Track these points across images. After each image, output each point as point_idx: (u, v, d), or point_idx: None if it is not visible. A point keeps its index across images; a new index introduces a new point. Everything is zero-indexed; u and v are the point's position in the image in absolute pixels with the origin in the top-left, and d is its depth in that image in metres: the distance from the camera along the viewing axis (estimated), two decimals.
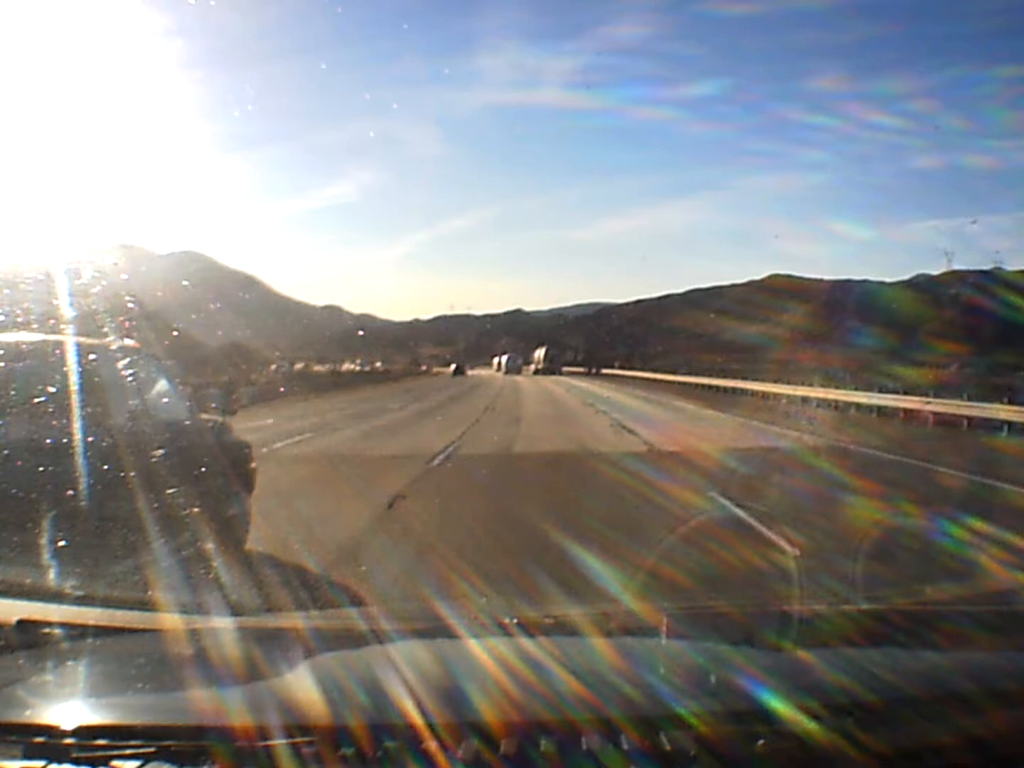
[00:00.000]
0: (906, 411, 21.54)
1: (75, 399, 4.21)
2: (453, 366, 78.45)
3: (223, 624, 1.93)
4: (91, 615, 1.86)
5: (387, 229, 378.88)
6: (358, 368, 59.01)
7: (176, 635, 1.76)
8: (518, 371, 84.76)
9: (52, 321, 5.41)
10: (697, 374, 45.93)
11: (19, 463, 3.85)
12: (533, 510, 7.58)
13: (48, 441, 4.00)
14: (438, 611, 2.63)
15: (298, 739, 1.07)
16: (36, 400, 4.10)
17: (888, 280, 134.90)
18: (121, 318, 5.86)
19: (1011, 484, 9.70)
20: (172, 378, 5.74)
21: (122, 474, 4.21)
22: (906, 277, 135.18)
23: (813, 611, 2.01)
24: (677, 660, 1.51)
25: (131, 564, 3.97)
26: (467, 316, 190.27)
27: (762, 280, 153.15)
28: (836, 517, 7.05)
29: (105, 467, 4.14)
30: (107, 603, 2.27)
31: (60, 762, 1.07)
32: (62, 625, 1.66)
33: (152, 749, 1.08)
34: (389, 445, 14.18)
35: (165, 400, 5.52)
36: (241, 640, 1.68)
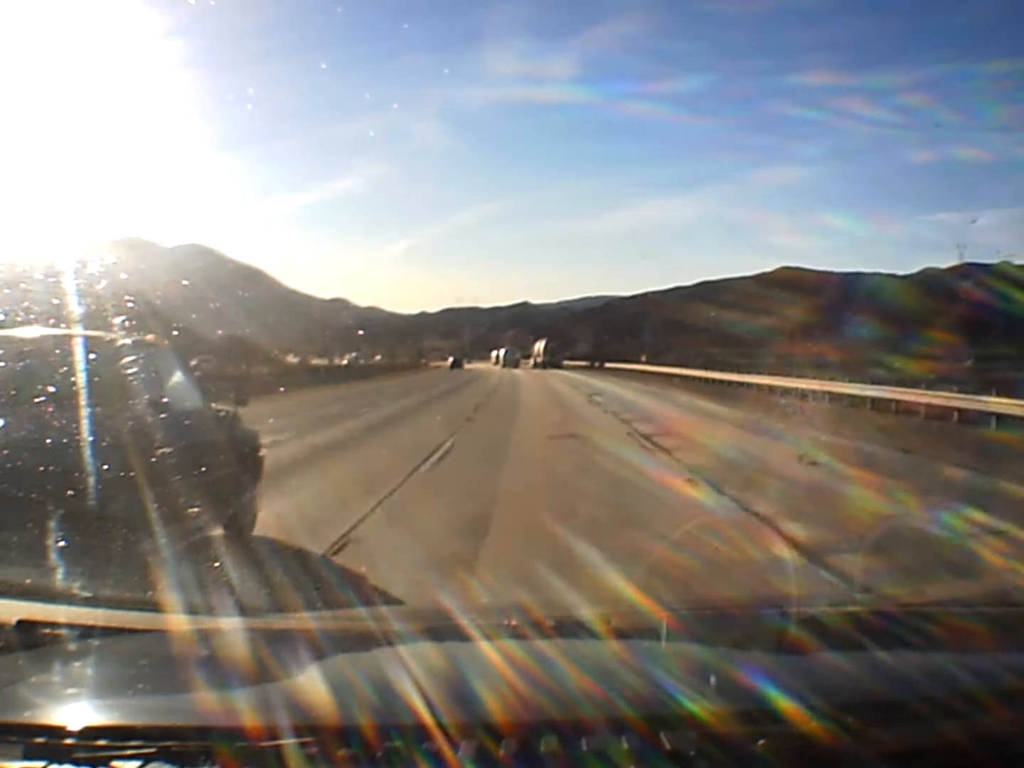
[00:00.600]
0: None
1: (98, 391, 4.42)
2: (451, 359, 79.37)
3: (225, 624, 1.90)
4: (92, 615, 1.82)
5: (394, 222, 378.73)
6: (348, 362, 57.60)
7: (177, 635, 1.76)
8: (516, 364, 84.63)
9: (52, 320, 5.56)
10: (708, 368, 45.14)
11: (51, 450, 4.04)
12: None
13: (71, 430, 4.19)
14: (441, 610, 2.66)
15: (299, 739, 1.06)
16: (63, 390, 4.30)
17: (899, 273, 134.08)
18: (121, 316, 5.85)
19: None
20: (187, 370, 6.03)
21: (142, 461, 4.35)
22: (915, 270, 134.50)
23: (813, 611, 2.01)
24: (677, 660, 1.50)
25: (150, 546, 4.12)
26: (474, 309, 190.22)
27: (772, 273, 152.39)
28: None
29: (125, 454, 4.32)
30: (108, 603, 2.24)
31: (60, 762, 1.07)
32: (62, 625, 1.64)
33: (153, 750, 1.07)
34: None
35: (180, 391, 5.72)
36: (243, 640, 1.68)
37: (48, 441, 4.10)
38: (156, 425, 4.89)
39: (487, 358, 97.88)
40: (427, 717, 1.10)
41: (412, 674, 1.27)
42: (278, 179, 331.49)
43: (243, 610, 2.55)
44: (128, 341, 5.48)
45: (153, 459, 4.50)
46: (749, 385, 33.01)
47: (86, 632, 1.62)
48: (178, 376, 5.80)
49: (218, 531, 5.52)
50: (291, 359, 46.44)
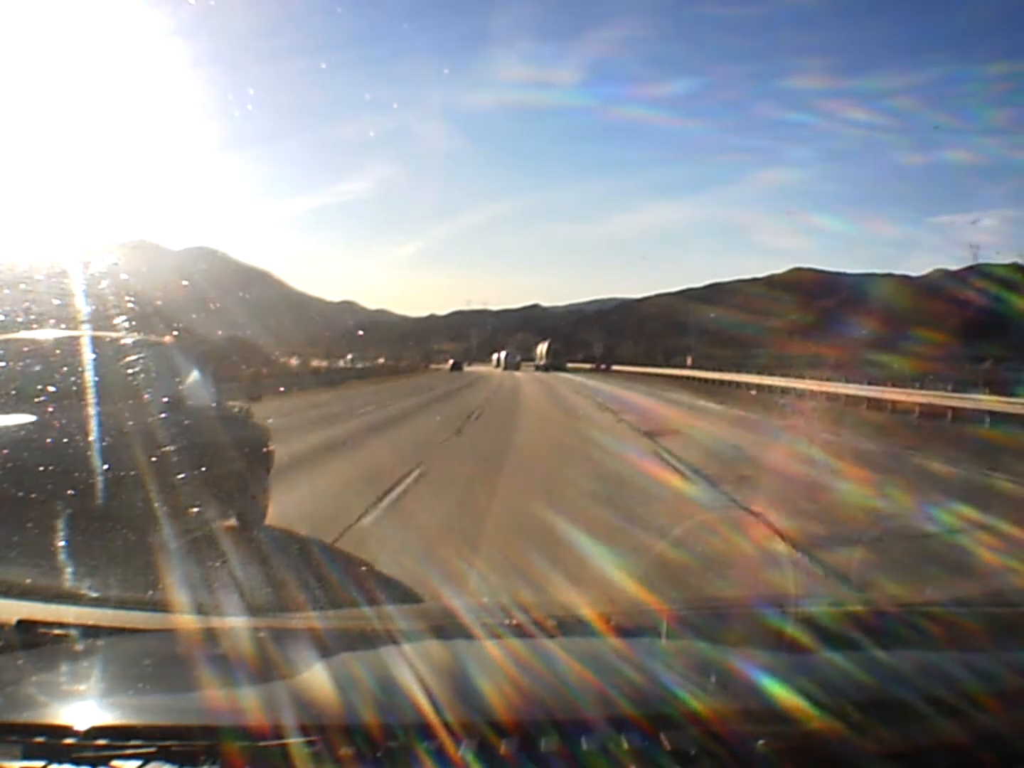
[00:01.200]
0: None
1: (120, 390, 4.73)
2: (451, 362, 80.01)
3: (226, 623, 1.89)
4: (92, 615, 1.80)
5: (402, 225, 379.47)
6: (344, 365, 56.52)
7: (178, 634, 1.76)
8: (517, 367, 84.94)
9: (52, 320, 5.66)
10: (724, 370, 44.58)
11: (79, 446, 4.19)
12: None
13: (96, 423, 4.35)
14: (442, 609, 2.65)
15: (300, 738, 1.06)
16: (89, 389, 4.48)
17: (912, 275, 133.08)
18: (123, 316, 5.97)
19: None
20: (202, 369, 6.30)
21: (163, 456, 4.58)
22: (926, 272, 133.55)
23: (813, 609, 2.01)
24: (678, 658, 1.49)
25: (168, 536, 4.35)
26: (483, 311, 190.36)
27: (783, 274, 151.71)
28: None
29: (147, 450, 4.50)
30: (109, 603, 2.22)
31: (60, 762, 1.06)
32: (62, 625, 1.63)
33: (153, 749, 1.07)
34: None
35: (196, 390, 6.02)
36: (243, 639, 1.67)
37: (76, 438, 4.26)
38: (174, 422, 5.13)
39: (486, 362, 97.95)
40: (428, 715, 1.10)
41: (413, 672, 1.27)
42: (286, 181, 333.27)
43: (244, 608, 2.51)
44: (147, 342, 5.80)
45: (172, 454, 4.70)
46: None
47: (86, 632, 1.61)
48: (194, 375, 6.08)
49: (231, 522, 5.87)
50: (292, 361, 45.97)
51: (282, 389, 24.16)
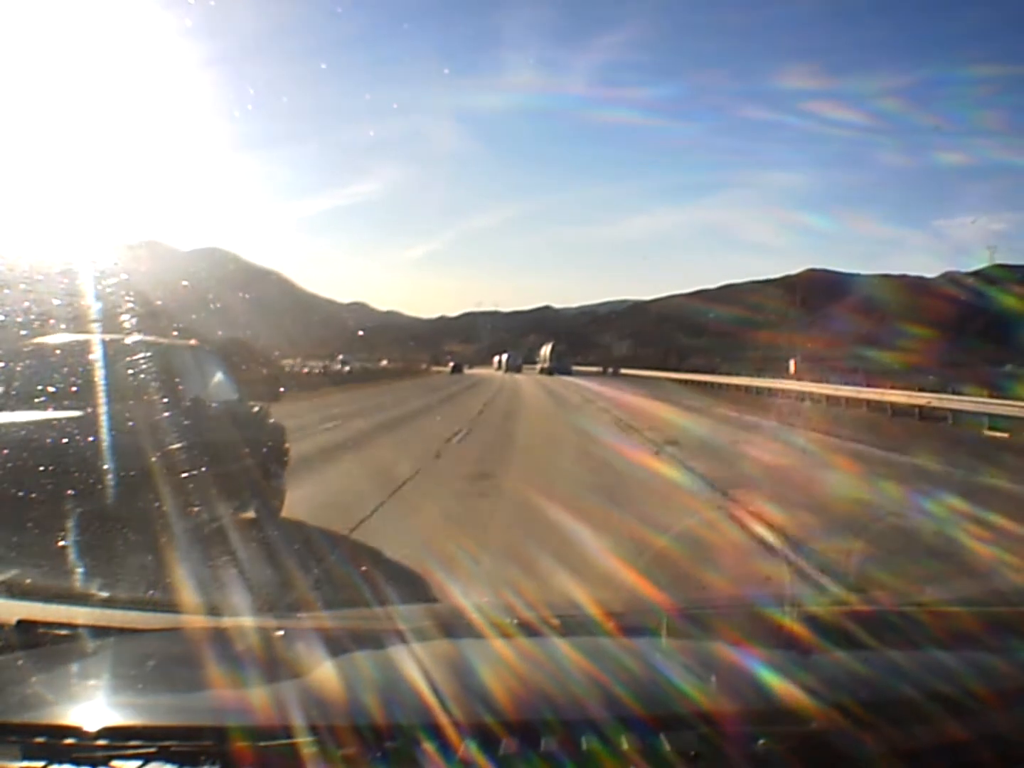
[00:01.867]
0: None
1: (150, 390, 5.07)
2: (451, 364, 79.43)
3: (226, 624, 1.85)
4: (92, 615, 1.78)
5: (413, 226, 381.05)
6: (339, 366, 53.77)
7: (178, 635, 1.75)
8: (518, 370, 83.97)
9: (52, 321, 5.76)
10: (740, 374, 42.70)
11: (119, 437, 4.49)
12: None
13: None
14: (443, 608, 2.64)
15: (300, 738, 1.05)
16: (122, 388, 4.88)
17: (927, 276, 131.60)
18: (126, 316, 6.07)
19: None
20: (227, 371, 6.80)
21: (189, 449, 4.87)
22: (940, 272, 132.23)
23: (814, 609, 2.02)
24: (678, 658, 1.48)
25: (195, 521, 4.85)
26: (494, 313, 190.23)
27: (798, 275, 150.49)
28: None
29: (176, 444, 4.83)
30: (109, 603, 2.18)
31: (60, 762, 1.06)
32: (62, 625, 1.62)
33: (153, 749, 1.07)
34: None
35: (221, 388, 6.53)
36: (243, 639, 1.66)
37: (115, 434, 4.52)
38: (201, 420, 5.61)
39: (494, 364, 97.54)
40: (429, 713, 1.10)
41: (413, 671, 1.26)
42: (297, 183, 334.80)
43: (245, 608, 2.45)
44: (176, 345, 6.30)
45: (199, 450, 5.05)
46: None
47: (87, 632, 1.60)
48: (219, 376, 6.55)
49: (251, 512, 6.23)
50: (288, 362, 44.92)
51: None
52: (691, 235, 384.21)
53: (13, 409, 4.72)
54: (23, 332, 5.66)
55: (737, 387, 38.50)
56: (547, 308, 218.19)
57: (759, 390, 34.97)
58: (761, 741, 1.08)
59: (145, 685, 1.42)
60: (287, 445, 7.50)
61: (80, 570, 3.45)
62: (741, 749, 1.07)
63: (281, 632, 1.76)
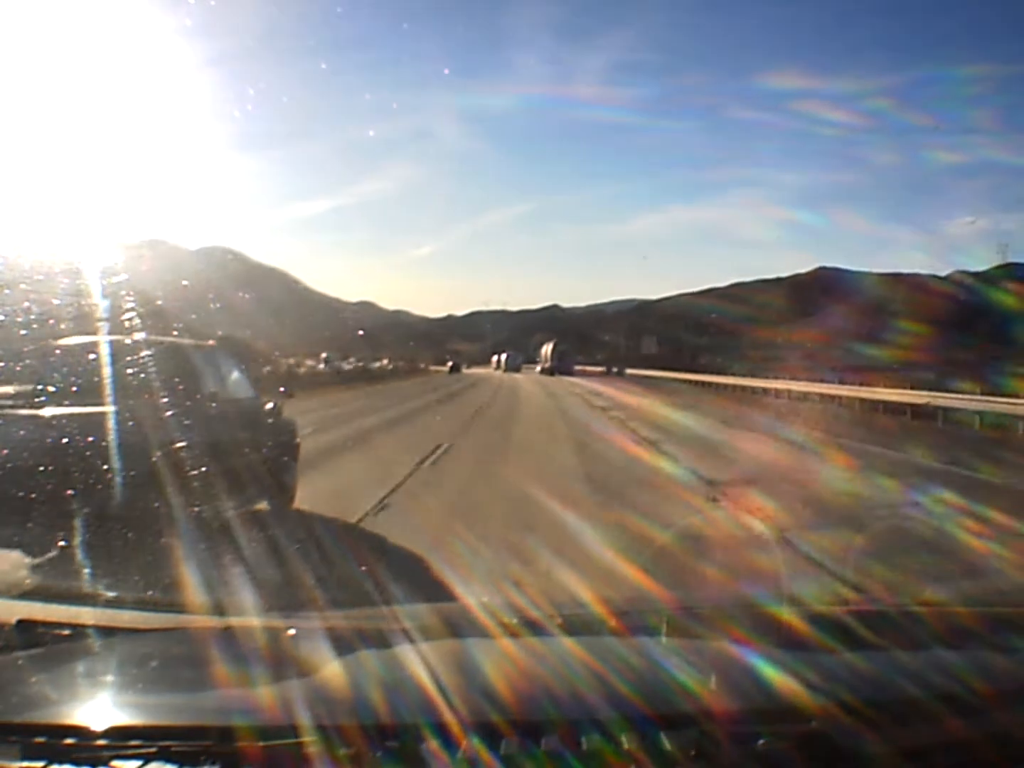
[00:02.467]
0: None
1: (173, 386, 5.41)
2: (449, 364, 78.89)
3: (226, 624, 1.84)
4: (92, 615, 1.78)
5: (421, 225, 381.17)
6: (328, 366, 52.56)
7: (178, 634, 1.74)
8: (517, 370, 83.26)
9: (52, 321, 5.84)
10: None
11: (148, 429, 4.94)
12: None
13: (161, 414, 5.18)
14: (444, 608, 2.64)
15: (300, 738, 1.05)
16: (155, 383, 5.30)
17: (940, 274, 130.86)
18: (128, 315, 6.05)
19: None
20: (243, 369, 7.26)
21: (209, 445, 5.29)
22: (949, 271, 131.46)
23: (815, 609, 2.01)
24: (678, 658, 1.46)
25: (212, 513, 5.16)
26: (502, 312, 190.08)
27: (807, 274, 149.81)
28: None
29: (196, 432, 5.28)
30: (110, 603, 2.21)
31: (60, 762, 1.06)
32: (62, 625, 1.62)
33: (153, 749, 1.06)
34: None
35: (237, 385, 6.92)
36: (243, 639, 1.65)
37: (144, 426, 4.95)
38: (221, 415, 6.04)
39: (492, 363, 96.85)
40: (430, 712, 1.09)
41: (417, 669, 1.27)
42: (304, 182, 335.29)
43: (246, 608, 2.45)
44: (197, 345, 6.67)
45: (219, 443, 5.44)
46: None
47: (86, 632, 1.60)
48: (236, 374, 6.96)
49: (263, 504, 6.48)
50: (290, 361, 44.57)
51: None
52: (699, 234, 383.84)
53: (58, 405, 4.97)
54: (23, 332, 5.66)
55: (775, 391, 31.31)
56: (555, 307, 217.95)
57: (806, 396, 28.13)
58: (762, 739, 1.08)
59: (146, 685, 1.42)
60: (299, 440, 7.81)
61: (123, 546, 3.89)
62: (742, 747, 1.07)
63: (287, 631, 1.76)
